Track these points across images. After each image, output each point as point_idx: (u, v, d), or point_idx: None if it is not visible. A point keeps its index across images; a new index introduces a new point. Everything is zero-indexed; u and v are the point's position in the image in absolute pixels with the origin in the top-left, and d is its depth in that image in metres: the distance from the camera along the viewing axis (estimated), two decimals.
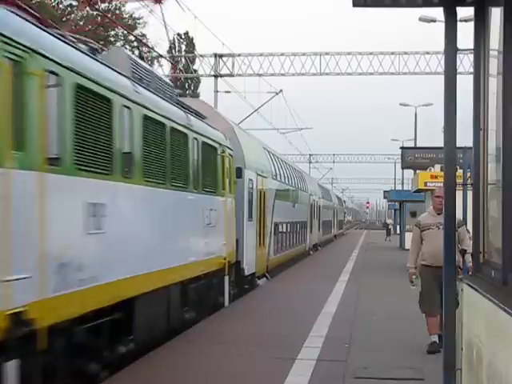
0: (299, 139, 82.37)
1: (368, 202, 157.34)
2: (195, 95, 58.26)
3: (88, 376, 9.30)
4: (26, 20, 8.08)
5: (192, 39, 62.71)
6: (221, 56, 40.08)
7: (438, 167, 26.93)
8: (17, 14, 7.88)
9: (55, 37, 8.71)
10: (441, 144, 6.72)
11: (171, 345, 11.82)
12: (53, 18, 23.14)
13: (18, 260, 7.13)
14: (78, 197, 8.83)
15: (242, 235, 19.80)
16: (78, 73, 8.83)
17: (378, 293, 19.97)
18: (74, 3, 44.15)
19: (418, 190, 28.31)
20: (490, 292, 5.14)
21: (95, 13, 50.76)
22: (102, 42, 46.34)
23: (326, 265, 31.87)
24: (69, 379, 8.59)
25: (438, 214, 11.48)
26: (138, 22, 54.34)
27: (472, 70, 6.55)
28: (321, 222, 48.46)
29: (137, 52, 46.86)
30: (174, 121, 13.00)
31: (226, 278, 17.10)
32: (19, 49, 7.40)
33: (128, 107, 10.64)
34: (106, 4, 50.02)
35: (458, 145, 6.73)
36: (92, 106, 9.29)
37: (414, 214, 41.83)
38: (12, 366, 7.02)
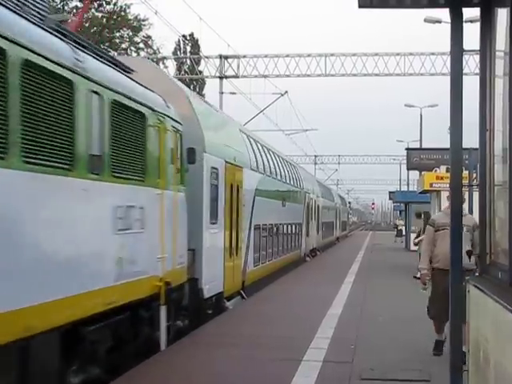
0: (304, 140, 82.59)
1: (373, 203, 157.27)
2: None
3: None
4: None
5: (197, 41, 62.73)
6: (226, 57, 40.12)
7: (443, 168, 26.91)
8: None
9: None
10: (446, 145, 6.73)
11: (175, 348, 11.80)
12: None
13: None
14: None
15: (201, 244, 14.81)
16: None
17: (384, 294, 19.94)
18: (80, 5, 44.19)
19: (424, 191, 28.29)
20: (496, 293, 5.13)
21: (100, 15, 50.91)
22: (107, 44, 46.52)
23: (331, 267, 31.76)
24: None
25: None
26: (143, 23, 54.44)
27: (478, 70, 6.54)
28: (320, 223, 43.84)
29: (142, 53, 46.97)
30: (31, 50, 7.52)
31: (163, 310, 11.78)
32: None
33: None
34: (112, 6, 50.17)
35: (463, 146, 6.72)
36: None
37: (419, 215, 41.79)
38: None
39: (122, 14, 53.78)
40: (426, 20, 33.96)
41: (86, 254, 8.79)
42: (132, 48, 51.85)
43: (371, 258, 36.79)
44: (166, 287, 11.78)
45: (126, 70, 11.34)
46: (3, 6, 7.41)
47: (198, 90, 58.71)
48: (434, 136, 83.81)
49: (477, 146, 6.47)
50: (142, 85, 11.47)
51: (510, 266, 5.07)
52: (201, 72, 47.10)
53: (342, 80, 42.65)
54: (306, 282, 23.85)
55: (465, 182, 11.91)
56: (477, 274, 7.02)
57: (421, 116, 56.02)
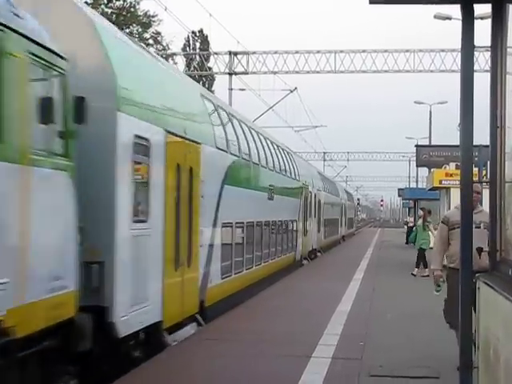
0: (314, 137, 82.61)
1: (382, 200, 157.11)
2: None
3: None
4: None
5: (206, 37, 62.81)
6: (235, 54, 40.14)
7: (452, 165, 26.93)
8: None
9: None
10: (456, 142, 6.73)
11: (183, 344, 11.81)
12: None
13: None
14: None
15: (113, 253, 9.70)
16: None
17: (393, 291, 19.92)
18: (89, 1, 44.28)
19: (433, 188, 28.29)
20: (507, 290, 5.12)
21: (110, 11, 50.98)
22: None
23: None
24: None
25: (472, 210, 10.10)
26: (152, 19, 54.51)
27: (488, 67, 6.54)
28: (322, 220, 38.89)
29: (152, 50, 46.97)
30: None
31: None
32: None
33: None
34: (121, 2, 50.23)
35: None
36: None
37: (429, 212, 41.71)
38: None
39: (132, 10, 53.88)
40: (435, 16, 33.89)
41: None
42: (141, 44, 52.03)
43: (380, 255, 36.70)
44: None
45: None
46: None
47: (207, 86, 58.76)
48: (444, 133, 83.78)
49: (487, 143, 6.46)
50: None
51: None
52: (210, 68, 47.15)
53: (352, 76, 42.68)
54: (317, 278, 23.81)
55: (474, 179, 11.87)
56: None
57: (430, 113, 55.98)
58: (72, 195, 8.49)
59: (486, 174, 16.36)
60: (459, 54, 6.64)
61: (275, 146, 25.19)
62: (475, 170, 15.52)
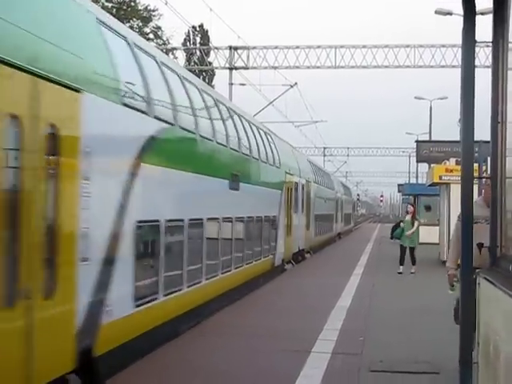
0: (314, 132, 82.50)
1: (382, 196, 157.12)
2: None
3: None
4: None
5: (207, 31, 62.74)
6: (236, 48, 40.12)
7: (452, 161, 26.90)
8: None
9: None
10: (456, 137, 6.73)
11: (183, 338, 11.82)
12: None
13: None
14: None
15: None
16: None
17: (393, 286, 19.93)
18: None
19: (433, 184, 28.26)
20: (507, 286, 5.12)
21: (110, 5, 50.94)
22: None
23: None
24: None
25: (489, 206, 9.85)
26: (152, 14, 54.50)
27: (488, 63, 6.54)
28: (313, 216, 34.09)
29: (152, 44, 46.94)
30: None
31: None
32: None
33: None
34: None
35: None
36: None
37: (428, 208, 41.78)
38: None
39: (132, 4, 53.86)
40: (436, 12, 33.85)
41: None
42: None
43: (381, 249, 36.67)
44: None
45: None
46: None
47: (207, 81, 58.77)
48: (444, 128, 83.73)
49: (487, 138, 6.46)
50: None
51: None
52: (210, 63, 47.11)
53: (352, 72, 42.67)
54: (319, 273, 23.79)
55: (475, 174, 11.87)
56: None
57: (430, 108, 55.98)
58: None
59: (486, 170, 16.42)
60: (460, 49, 6.65)
61: (246, 122, 19.93)
62: (475, 165, 15.57)
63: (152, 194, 11.16)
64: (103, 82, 9.52)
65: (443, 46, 38.68)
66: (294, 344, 11.31)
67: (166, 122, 11.96)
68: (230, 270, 16.82)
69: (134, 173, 10.31)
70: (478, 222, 8.45)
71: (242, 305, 16.02)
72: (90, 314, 8.62)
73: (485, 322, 6.06)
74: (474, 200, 11.41)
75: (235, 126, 18.19)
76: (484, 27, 6.49)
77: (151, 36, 54.67)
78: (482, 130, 6.95)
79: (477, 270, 6.45)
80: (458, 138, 6.58)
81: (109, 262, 9.36)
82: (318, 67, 40.19)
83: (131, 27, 49.12)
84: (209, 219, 14.64)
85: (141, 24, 54.42)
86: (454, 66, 37.59)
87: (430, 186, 30.11)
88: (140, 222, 10.50)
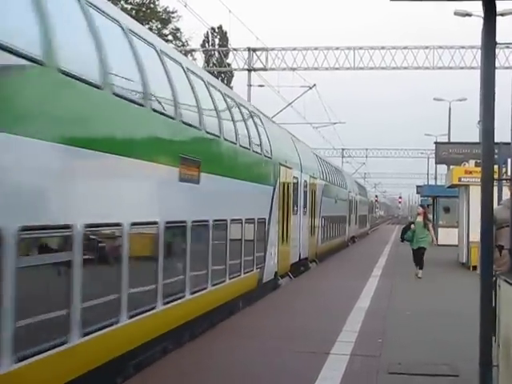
0: (332, 134, 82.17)
1: (400, 197, 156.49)
2: None
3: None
4: None
5: (225, 33, 62.78)
6: (254, 50, 40.14)
7: (472, 162, 26.78)
8: None
9: None
10: (475, 139, 6.71)
11: (200, 340, 11.82)
12: None
13: None
14: None
15: None
16: None
17: (412, 288, 19.87)
18: None
19: (452, 186, 28.14)
20: None
21: (129, 7, 51.12)
22: None
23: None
24: None
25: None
26: (172, 15, 54.64)
27: (508, 64, 6.50)
28: (319, 219, 29.66)
29: (171, 46, 47.09)
30: None
31: None
32: None
33: None
34: None
35: None
36: None
37: (447, 210, 41.62)
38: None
39: (151, 6, 54.03)
40: (455, 13, 33.74)
41: None
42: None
43: (398, 252, 36.47)
44: None
45: None
46: None
47: (226, 82, 58.81)
48: (463, 130, 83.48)
49: (507, 140, 6.44)
50: None
51: None
52: (229, 64, 47.14)
53: (371, 73, 42.58)
54: (336, 276, 23.67)
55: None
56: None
57: (449, 110, 55.76)
58: None
59: (506, 172, 16.34)
60: (479, 50, 6.65)
61: (217, 93, 15.00)
62: (495, 167, 15.48)
63: (49, 184, 7.33)
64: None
65: (462, 47, 38.53)
66: (313, 345, 11.29)
67: (81, 79, 7.94)
68: (181, 297, 11.47)
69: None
70: (509, 226, 7.42)
71: (257, 307, 15.99)
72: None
73: (505, 324, 6.04)
74: (501, 202, 11.08)
75: (203, 97, 13.29)
76: (503, 28, 6.46)
77: (170, 38, 54.78)
78: (503, 132, 6.93)
79: (497, 273, 6.43)
80: (477, 139, 6.57)
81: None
82: (337, 68, 40.16)
83: (150, 29, 49.27)
84: (134, 224, 9.28)
85: (160, 26, 54.57)
86: (473, 68, 37.44)
87: (448, 187, 29.99)
88: (29, 227, 6.75)
